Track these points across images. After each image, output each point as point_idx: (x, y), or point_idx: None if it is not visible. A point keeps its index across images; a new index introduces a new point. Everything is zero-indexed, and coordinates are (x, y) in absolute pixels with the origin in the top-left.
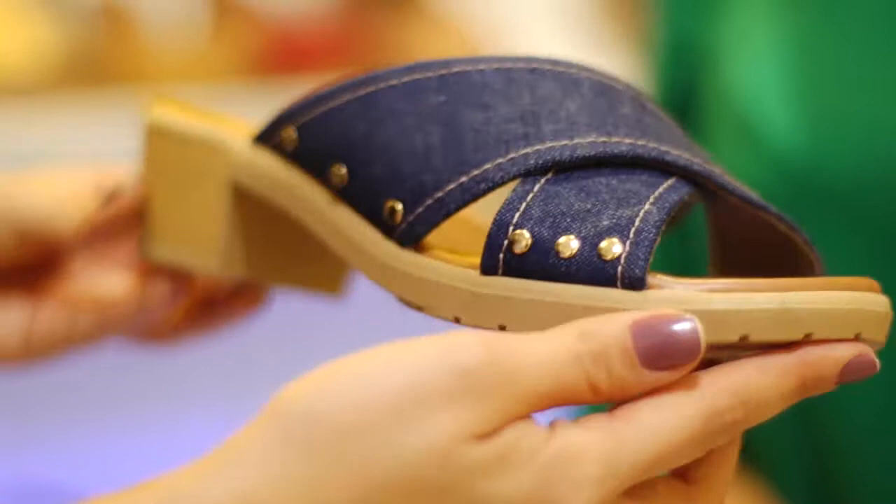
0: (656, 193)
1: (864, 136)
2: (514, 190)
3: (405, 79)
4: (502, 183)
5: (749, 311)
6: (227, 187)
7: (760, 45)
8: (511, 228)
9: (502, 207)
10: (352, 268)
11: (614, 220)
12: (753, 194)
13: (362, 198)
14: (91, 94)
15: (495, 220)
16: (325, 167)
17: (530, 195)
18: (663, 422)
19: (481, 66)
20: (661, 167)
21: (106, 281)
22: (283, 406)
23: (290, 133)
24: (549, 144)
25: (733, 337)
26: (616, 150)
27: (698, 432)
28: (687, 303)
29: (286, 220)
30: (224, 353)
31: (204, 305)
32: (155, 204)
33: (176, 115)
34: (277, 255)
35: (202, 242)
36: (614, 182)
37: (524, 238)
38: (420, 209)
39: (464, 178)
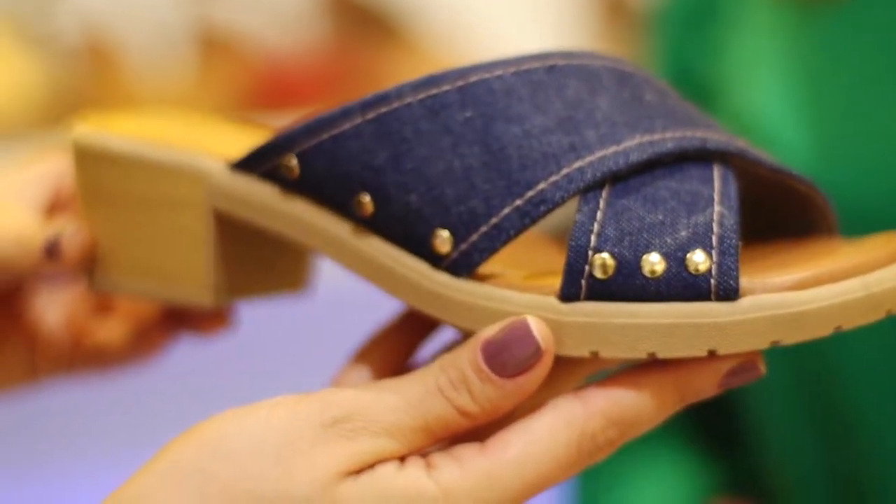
0: (717, 189)
1: (873, 158)
2: (579, 210)
3: (421, 95)
4: (562, 202)
5: (840, 304)
6: (208, 216)
7: (768, 72)
8: (590, 253)
9: (575, 231)
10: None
11: (691, 230)
12: (773, 159)
13: (397, 227)
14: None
15: (571, 245)
16: (346, 197)
17: (599, 213)
18: (535, 451)
19: (498, 72)
20: (703, 155)
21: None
22: (175, 458)
23: (290, 161)
24: (599, 154)
25: (828, 331)
26: (664, 149)
27: (571, 456)
28: (780, 307)
29: (254, 234)
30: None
31: (162, 328)
32: (107, 234)
33: (122, 135)
34: (250, 271)
35: (183, 274)
36: (673, 184)
37: (606, 262)
38: (474, 237)
39: (518, 202)
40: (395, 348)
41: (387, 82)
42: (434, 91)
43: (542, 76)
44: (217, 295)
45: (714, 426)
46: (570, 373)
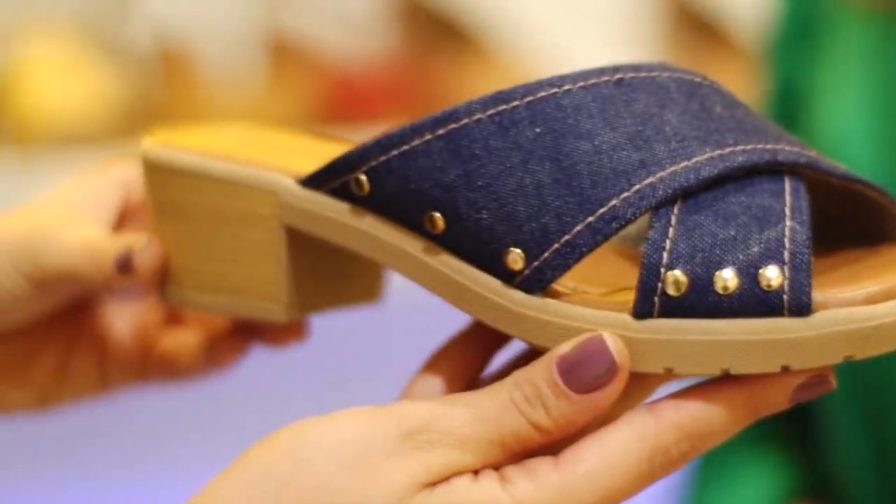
0: (788, 204)
1: None
2: (651, 227)
3: (491, 111)
4: (633, 219)
5: None
6: (280, 232)
7: (851, 95)
8: (663, 270)
9: (647, 248)
10: (412, 281)
11: (763, 246)
12: (843, 168)
13: (469, 244)
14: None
15: (644, 263)
16: (417, 214)
17: (671, 230)
18: (608, 465)
19: (567, 87)
20: (773, 168)
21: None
22: (252, 466)
23: (360, 177)
24: (670, 170)
25: None
26: (735, 163)
27: (644, 470)
28: (854, 322)
29: (326, 248)
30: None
31: (235, 339)
32: (178, 248)
33: (192, 149)
34: (323, 284)
35: (255, 290)
36: (744, 199)
37: (679, 279)
38: (546, 254)
39: (590, 219)
40: (466, 360)
41: (459, 93)
42: (503, 107)
43: (611, 90)
44: (290, 310)
45: (791, 429)
46: (641, 387)
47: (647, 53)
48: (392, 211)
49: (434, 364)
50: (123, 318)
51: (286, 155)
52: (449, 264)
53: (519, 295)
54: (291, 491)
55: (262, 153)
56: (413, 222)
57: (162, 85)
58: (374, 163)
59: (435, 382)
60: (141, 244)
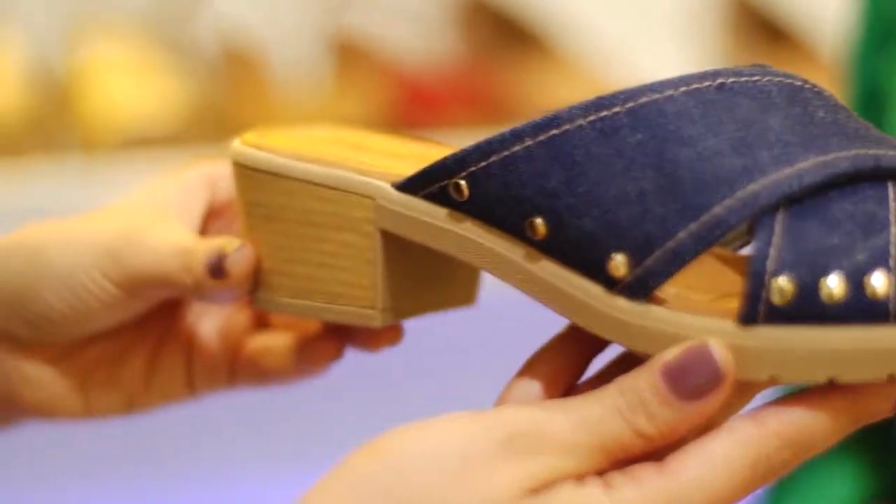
0: (893, 210)
1: None
2: (755, 234)
3: (592, 117)
4: (737, 226)
5: None
6: (376, 236)
7: None
8: (768, 277)
9: (753, 256)
10: (510, 286)
11: (868, 253)
12: None
13: (571, 251)
14: (217, 144)
15: (750, 270)
16: (518, 220)
17: (775, 237)
18: (712, 473)
19: (668, 92)
20: (877, 174)
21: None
22: (354, 472)
23: (460, 182)
24: (773, 177)
25: None
26: (839, 170)
27: (747, 478)
28: None
29: (422, 252)
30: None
31: (327, 343)
32: (270, 252)
33: (284, 152)
34: (418, 289)
35: (350, 295)
36: (848, 206)
37: (784, 286)
38: (649, 261)
39: (693, 225)
40: (564, 365)
41: (527, 96)
42: (605, 113)
43: (713, 95)
44: (385, 316)
45: (872, 432)
46: (742, 393)
47: (712, 54)
48: (492, 216)
49: (531, 368)
50: (210, 321)
51: (380, 157)
52: (550, 270)
53: (622, 302)
54: (394, 500)
55: (355, 155)
56: (514, 228)
57: (228, 87)
58: (473, 168)
59: (533, 387)
60: (233, 247)
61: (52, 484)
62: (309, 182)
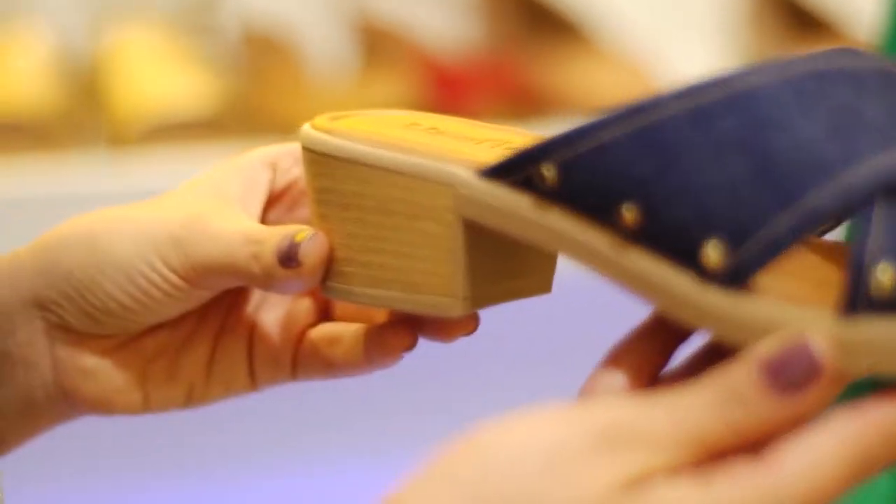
0: None
1: None
2: (854, 222)
3: (687, 105)
4: (834, 214)
5: None
6: (457, 225)
7: None
8: (868, 266)
9: (853, 245)
10: (587, 270)
11: None
12: None
13: (664, 240)
14: (248, 133)
15: (851, 259)
16: (609, 208)
17: (874, 225)
18: (811, 467)
19: (762, 78)
20: None
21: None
22: (447, 467)
23: (549, 170)
24: (871, 163)
25: None
26: None
27: (847, 473)
28: None
29: (503, 240)
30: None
31: (398, 333)
32: (343, 240)
33: (358, 138)
34: (498, 276)
35: (429, 285)
36: None
37: (886, 275)
38: (744, 250)
39: (789, 214)
40: (649, 355)
41: (567, 83)
42: (698, 100)
43: (807, 82)
44: (465, 305)
45: None
46: (837, 385)
47: (745, 42)
48: (580, 204)
49: (616, 359)
50: (272, 310)
51: (457, 142)
52: (640, 259)
53: (716, 292)
54: (487, 496)
55: (433, 140)
56: (603, 216)
57: (256, 74)
58: (562, 156)
59: (618, 378)
60: (305, 235)
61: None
62: (385, 169)
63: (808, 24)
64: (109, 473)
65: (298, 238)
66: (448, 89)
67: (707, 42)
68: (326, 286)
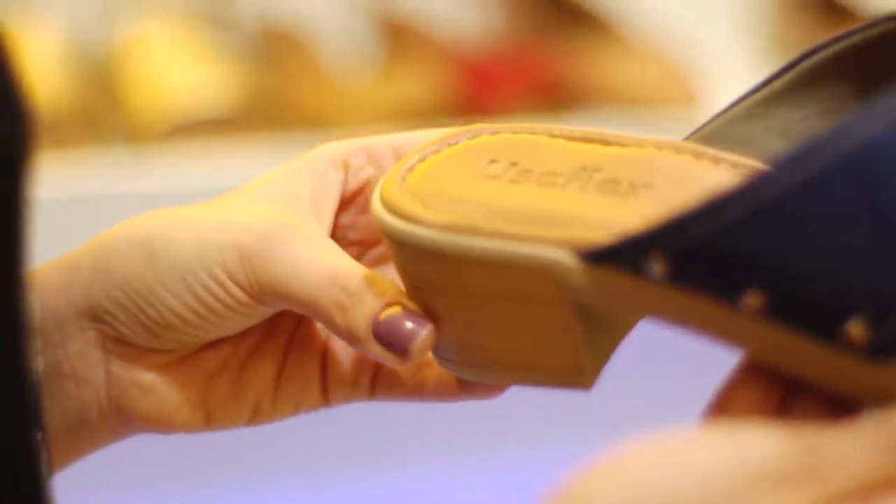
0: None
1: None
2: None
3: (798, 176)
4: None
5: None
6: (566, 309)
7: None
8: None
9: None
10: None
11: None
12: None
13: (796, 321)
14: (271, 130)
15: None
16: (730, 295)
17: None
18: None
19: (873, 127)
20: None
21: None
22: (589, 493)
23: (658, 261)
24: None
25: None
26: None
27: None
28: None
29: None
30: None
31: None
32: (445, 323)
33: (444, 223)
34: (611, 336)
35: (547, 365)
36: None
37: None
38: (891, 323)
39: None
40: (777, 375)
41: (594, 77)
42: (809, 168)
43: None
44: (591, 376)
45: None
46: None
47: (773, 33)
48: (697, 290)
49: (747, 375)
50: None
51: (547, 195)
52: (769, 336)
53: (864, 364)
54: None
55: (520, 201)
56: (724, 300)
57: (278, 69)
58: (671, 244)
59: (751, 397)
60: (421, 333)
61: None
62: (479, 261)
63: (838, 13)
64: (160, 485)
65: (403, 325)
66: (476, 84)
67: (736, 33)
68: (435, 356)
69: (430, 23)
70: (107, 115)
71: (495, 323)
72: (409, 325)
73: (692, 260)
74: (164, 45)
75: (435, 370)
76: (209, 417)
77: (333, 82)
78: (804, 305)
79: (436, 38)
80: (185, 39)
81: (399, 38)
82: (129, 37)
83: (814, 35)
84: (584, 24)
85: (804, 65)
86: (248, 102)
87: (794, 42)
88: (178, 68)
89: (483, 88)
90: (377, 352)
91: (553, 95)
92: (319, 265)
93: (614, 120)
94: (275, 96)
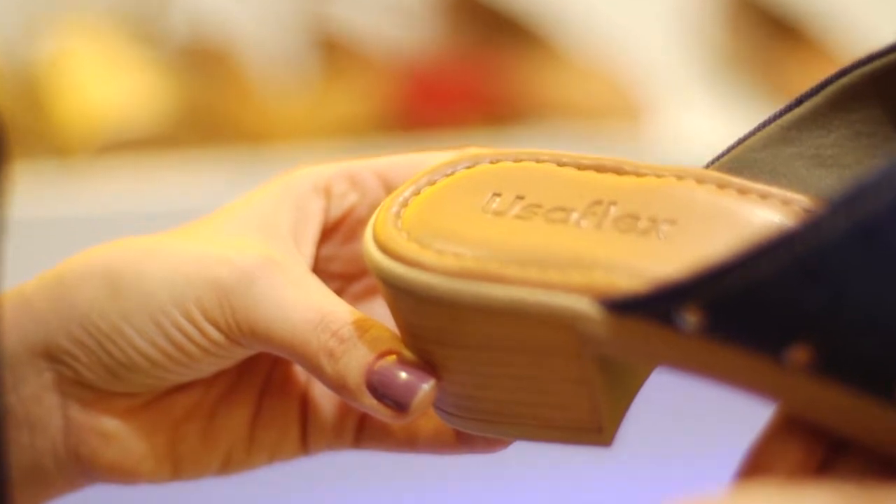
0: None
1: None
2: None
3: (849, 221)
4: None
5: None
6: (585, 361)
7: None
8: None
9: None
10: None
11: None
12: None
13: (847, 377)
14: (202, 147)
15: None
16: (774, 350)
17: None
18: None
19: None
20: None
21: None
22: None
23: (693, 313)
24: None
25: None
26: None
27: None
28: None
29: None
30: None
31: None
32: (447, 375)
33: (444, 267)
34: (630, 387)
35: (563, 420)
36: None
37: None
38: None
39: None
40: (816, 433)
41: (529, 92)
42: (861, 213)
43: None
44: (609, 433)
45: None
46: None
47: (713, 45)
48: (737, 345)
49: (783, 432)
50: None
51: (557, 233)
52: (821, 394)
53: None
54: None
55: (530, 240)
56: (767, 356)
57: (209, 85)
58: (708, 296)
59: (790, 455)
60: (421, 387)
61: None
62: (485, 311)
63: (780, 26)
64: None
65: (390, 362)
66: (416, 98)
67: (680, 46)
68: (437, 411)
69: (366, 37)
70: (34, 132)
71: (504, 375)
72: (407, 377)
73: (731, 311)
74: (91, 60)
75: (430, 420)
76: (177, 467)
77: (266, 98)
78: (857, 361)
79: (372, 53)
80: (112, 54)
81: (334, 52)
82: (56, 51)
83: (758, 47)
84: (527, 38)
85: (834, 86)
86: (180, 118)
87: (739, 54)
88: (106, 83)
89: (423, 103)
90: (370, 405)
91: (495, 110)
92: (306, 306)
93: (558, 134)
94: (207, 112)
